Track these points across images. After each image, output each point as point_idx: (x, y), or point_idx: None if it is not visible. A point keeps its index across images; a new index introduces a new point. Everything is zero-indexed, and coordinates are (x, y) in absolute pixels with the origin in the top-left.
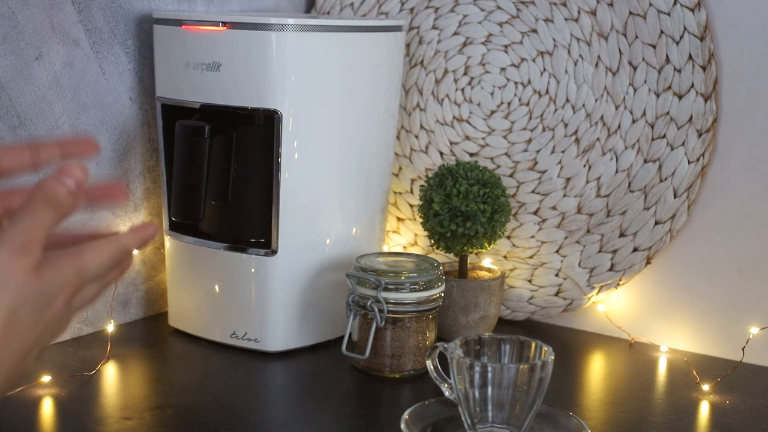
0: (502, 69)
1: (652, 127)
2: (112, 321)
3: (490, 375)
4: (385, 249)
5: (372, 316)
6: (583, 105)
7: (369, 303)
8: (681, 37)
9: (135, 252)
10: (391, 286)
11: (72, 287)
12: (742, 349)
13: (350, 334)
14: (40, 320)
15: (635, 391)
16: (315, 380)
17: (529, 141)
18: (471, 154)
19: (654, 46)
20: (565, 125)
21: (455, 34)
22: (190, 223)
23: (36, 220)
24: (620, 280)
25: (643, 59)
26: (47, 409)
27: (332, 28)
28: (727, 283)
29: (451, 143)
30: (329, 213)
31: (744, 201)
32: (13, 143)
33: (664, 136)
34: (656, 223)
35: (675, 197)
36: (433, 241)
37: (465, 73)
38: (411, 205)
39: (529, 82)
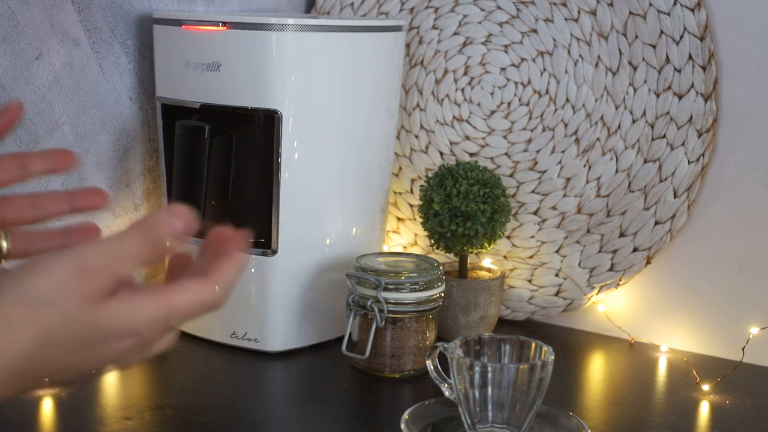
0: (502, 69)
1: (652, 127)
2: None
3: (490, 375)
4: (385, 249)
5: (372, 316)
6: (583, 105)
7: (369, 303)
8: (681, 37)
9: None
10: (391, 286)
11: (151, 333)
12: (742, 349)
13: (350, 334)
14: (86, 351)
15: (635, 391)
16: (315, 380)
17: (529, 141)
18: (471, 154)
19: (654, 46)
20: (565, 125)
21: (455, 34)
22: None
23: (123, 248)
24: (620, 280)
25: (643, 59)
26: (47, 409)
27: (332, 28)
28: (727, 283)
29: (451, 143)
30: (329, 213)
31: (744, 201)
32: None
33: (664, 136)
34: (656, 223)
35: (675, 197)
36: (433, 241)
37: (465, 73)
38: (411, 205)
39: (529, 82)
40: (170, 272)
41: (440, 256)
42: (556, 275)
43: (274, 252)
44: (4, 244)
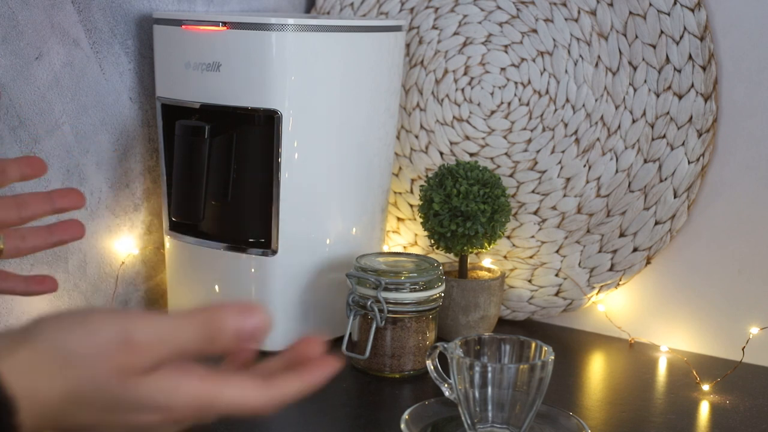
0: (502, 69)
1: (652, 127)
2: None
3: (490, 375)
4: (385, 249)
5: (372, 316)
6: (583, 105)
7: (369, 303)
8: (681, 37)
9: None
10: (391, 286)
11: (184, 415)
12: (742, 349)
13: (350, 334)
14: (113, 417)
15: (635, 391)
16: None
17: (529, 141)
18: (471, 154)
19: (654, 46)
20: (565, 125)
21: (455, 34)
22: (190, 223)
23: (176, 333)
24: (620, 280)
25: (643, 59)
26: None
27: (332, 28)
28: (727, 283)
29: (451, 143)
30: (329, 213)
31: (744, 201)
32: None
33: (664, 136)
34: (656, 223)
35: (675, 197)
36: (433, 241)
37: (465, 73)
38: (411, 205)
39: (529, 82)
40: (230, 360)
41: (440, 256)
42: (556, 275)
43: (274, 252)
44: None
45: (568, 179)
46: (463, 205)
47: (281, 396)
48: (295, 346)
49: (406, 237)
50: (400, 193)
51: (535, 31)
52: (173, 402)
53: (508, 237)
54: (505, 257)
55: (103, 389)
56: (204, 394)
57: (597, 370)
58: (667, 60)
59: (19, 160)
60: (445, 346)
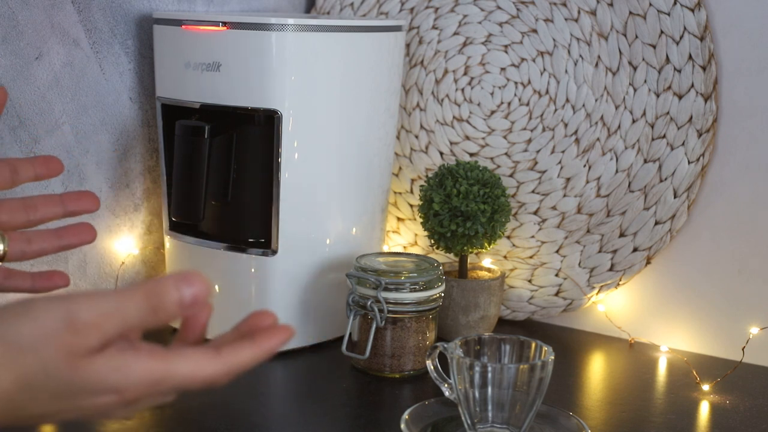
0: (502, 69)
1: (652, 127)
2: None
3: (490, 375)
4: (385, 249)
5: (372, 316)
6: (583, 105)
7: (369, 303)
8: (681, 37)
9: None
10: (391, 286)
11: (137, 394)
12: (742, 349)
13: (350, 334)
14: (66, 401)
15: (635, 391)
16: (315, 380)
17: (529, 141)
18: (471, 154)
19: (654, 46)
20: (565, 125)
21: (455, 34)
22: (190, 223)
23: (119, 309)
24: (620, 280)
25: (643, 59)
26: None
27: (332, 28)
28: (727, 283)
29: (451, 143)
30: (329, 213)
31: (744, 201)
32: (8, 199)
33: (664, 136)
34: (656, 223)
35: (675, 197)
36: (433, 241)
37: (465, 73)
38: (411, 205)
39: (529, 82)
40: (180, 336)
41: (440, 256)
42: (556, 275)
43: (274, 252)
44: (1, 246)
45: (568, 179)
46: (463, 205)
47: (235, 364)
48: (246, 320)
49: (406, 237)
50: (400, 193)
51: (535, 31)
52: (125, 380)
53: (508, 237)
54: (505, 257)
55: (53, 374)
56: (155, 369)
57: (597, 370)
58: (667, 60)
59: (34, 160)
60: (445, 346)
